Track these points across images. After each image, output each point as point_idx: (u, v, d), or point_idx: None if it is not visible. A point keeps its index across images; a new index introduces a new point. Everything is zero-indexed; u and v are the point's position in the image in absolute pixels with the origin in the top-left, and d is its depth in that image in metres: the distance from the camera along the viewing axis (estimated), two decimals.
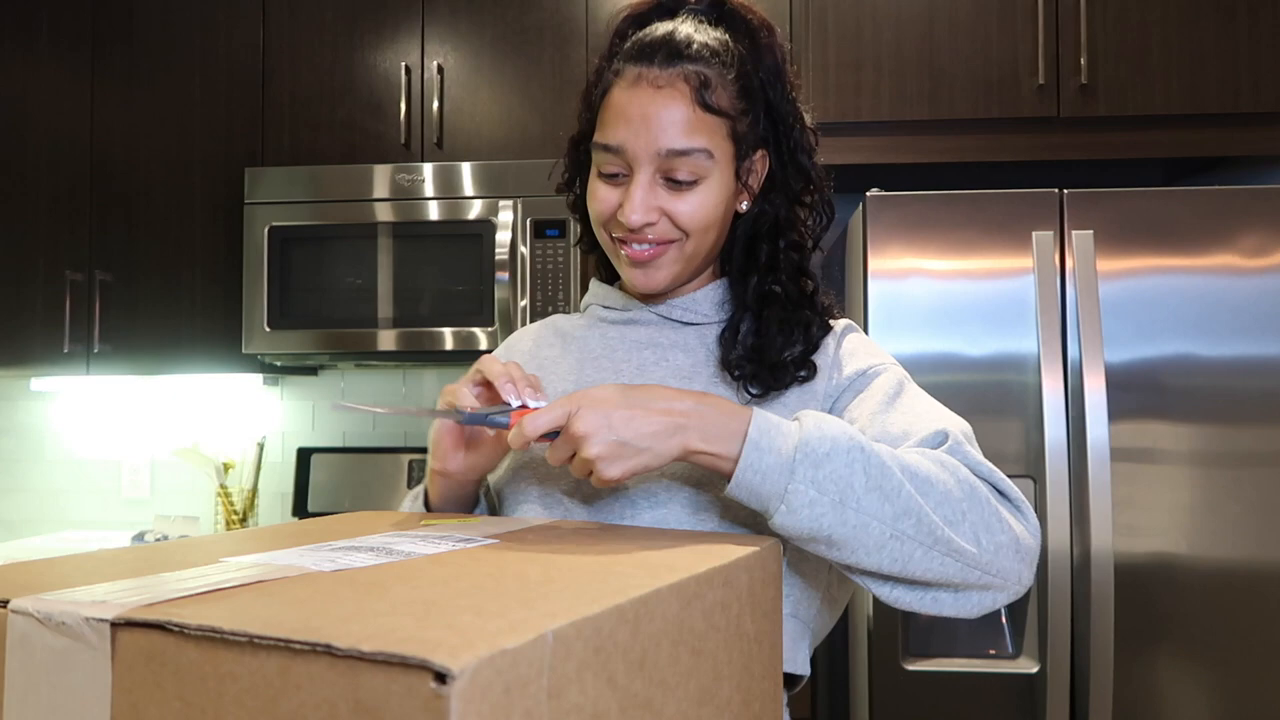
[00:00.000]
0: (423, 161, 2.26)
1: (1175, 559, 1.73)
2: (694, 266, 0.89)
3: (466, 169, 2.22)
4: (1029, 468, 1.75)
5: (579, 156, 0.94)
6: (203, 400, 2.69)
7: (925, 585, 0.71)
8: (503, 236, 2.14)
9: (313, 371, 2.66)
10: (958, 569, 0.70)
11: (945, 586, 0.71)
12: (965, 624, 1.82)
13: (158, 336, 2.36)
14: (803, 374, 0.87)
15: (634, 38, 0.86)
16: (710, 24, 0.86)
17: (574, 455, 0.71)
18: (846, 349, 0.90)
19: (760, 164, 0.89)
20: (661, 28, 0.85)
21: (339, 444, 2.63)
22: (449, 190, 2.22)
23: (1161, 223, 1.77)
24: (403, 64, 2.30)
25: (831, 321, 0.93)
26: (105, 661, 0.43)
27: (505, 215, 2.16)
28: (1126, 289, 1.77)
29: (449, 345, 2.20)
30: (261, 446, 2.51)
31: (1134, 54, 2.01)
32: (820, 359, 0.89)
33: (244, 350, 2.27)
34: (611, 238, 0.88)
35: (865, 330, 1.81)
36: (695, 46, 0.83)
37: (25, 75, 2.43)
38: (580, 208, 0.95)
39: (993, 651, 1.79)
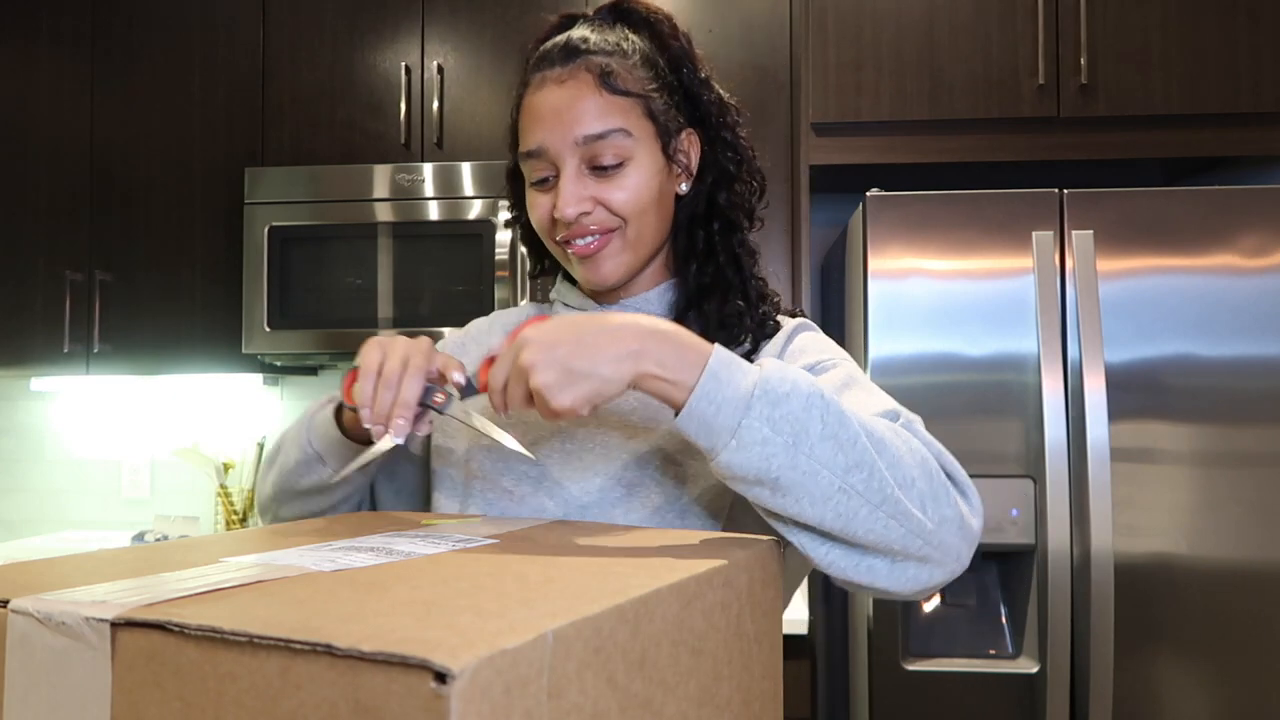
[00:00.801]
0: (423, 161, 2.26)
1: (1175, 559, 1.73)
2: (641, 255, 0.89)
3: (466, 169, 2.22)
4: (1029, 468, 1.75)
5: (517, 185, 0.95)
6: (203, 400, 2.69)
7: (862, 549, 0.68)
8: (503, 236, 2.14)
9: (313, 371, 2.65)
10: (900, 534, 0.67)
11: (883, 553, 0.68)
12: (965, 624, 1.82)
13: (158, 336, 2.36)
14: None
15: (538, 50, 0.89)
16: (607, 26, 0.89)
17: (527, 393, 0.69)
18: (796, 346, 0.89)
19: (690, 143, 0.90)
20: (559, 36, 0.88)
21: None
22: (449, 190, 2.22)
23: (1161, 223, 1.77)
24: (403, 64, 2.30)
25: (785, 319, 0.93)
26: (105, 661, 0.43)
27: (505, 215, 2.16)
28: (1126, 289, 1.77)
29: None
30: (261, 446, 2.51)
31: (1134, 54, 2.01)
32: (762, 356, 0.87)
33: (244, 350, 2.27)
34: (556, 242, 0.89)
35: (865, 331, 1.81)
36: (592, 42, 0.86)
37: (25, 75, 2.43)
38: (528, 236, 0.96)
39: (993, 651, 1.79)
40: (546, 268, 1.01)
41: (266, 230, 2.25)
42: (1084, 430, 1.71)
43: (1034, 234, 1.77)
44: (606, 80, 0.84)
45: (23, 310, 2.40)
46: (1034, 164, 2.10)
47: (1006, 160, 2.06)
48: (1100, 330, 1.73)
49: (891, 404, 0.77)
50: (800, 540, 0.69)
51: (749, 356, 0.87)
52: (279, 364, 2.44)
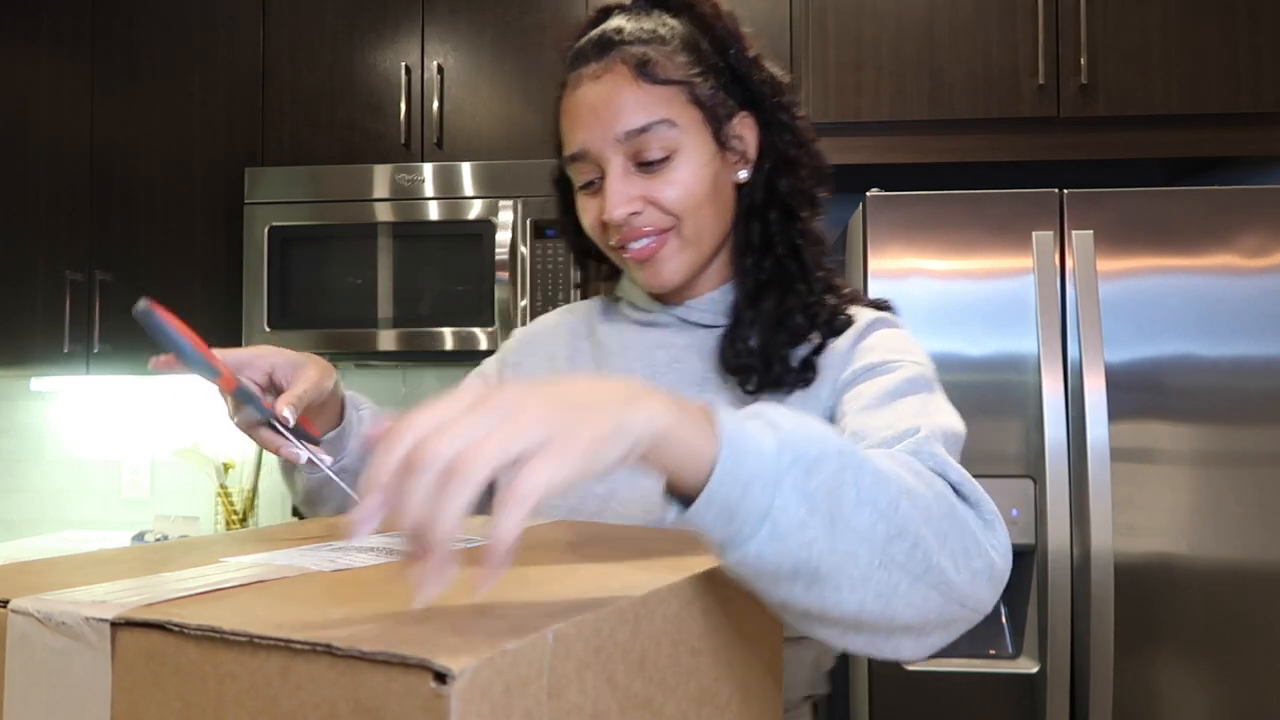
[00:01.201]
0: (423, 161, 2.26)
1: (1175, 559, 1.73)
2: (704, 251, 0.84)
3: (466, 169, 2.22)
4: (1029, 468, 1.75)
5: (564, 192, 0.91)
6: (203, 400, 2.69)
7: (891, 630, 0.55)
8: (503, 236, 2.14)
9: None
10: (938, 604, 0.55)
11: (916, 628, 0.55)
12: None
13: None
14: (806, 376, 0.80)
15: (573, 48, 0.85)
16: (644, 14, 0.84)
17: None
18: (866, 345, 0.81)
19: (745, 127, 0.85)
20: (593, 31, 0.84)
21: None
22: (449, 190, 2.22)
23: (1161, 223, 1.77)
24: (403, 64, 2.30)
25: (862, 312, 0.86)
26: (105, 661, 0.43)
27: (505, 215, 2.16)
28: (1126, 289, 1.77)
29: (449, 345, 2.20)
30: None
31: (1134, 54, 2.01)
32: (828, 357, 0.82)
33: None
34: (611, 246, 0.85)
35: None
36: (627, 31, 0.82)
37: (25, 75, 2.43)
38: (576, 244, 0.92)
39: (993, 651, 1.79)
40: (605, 273, 0.96)
41: (266, 230, 2.25)
42: (1084, 430, 1.71)
43: (1034, 234, 1.77)
44: (644, 70, 0.80)
45: (23, 310, 2.40)
46: (1034, 164, 2.10)
47: (1006, 160, 2.06)
48: (1100, 330, 1.73)
49: (936, 420, 0.68)
50: (825, 635, 0.55)
51: (816, 354, 0.81)
52: None
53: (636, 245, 0.82)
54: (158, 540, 2.35)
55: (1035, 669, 1.73)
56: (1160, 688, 1.72)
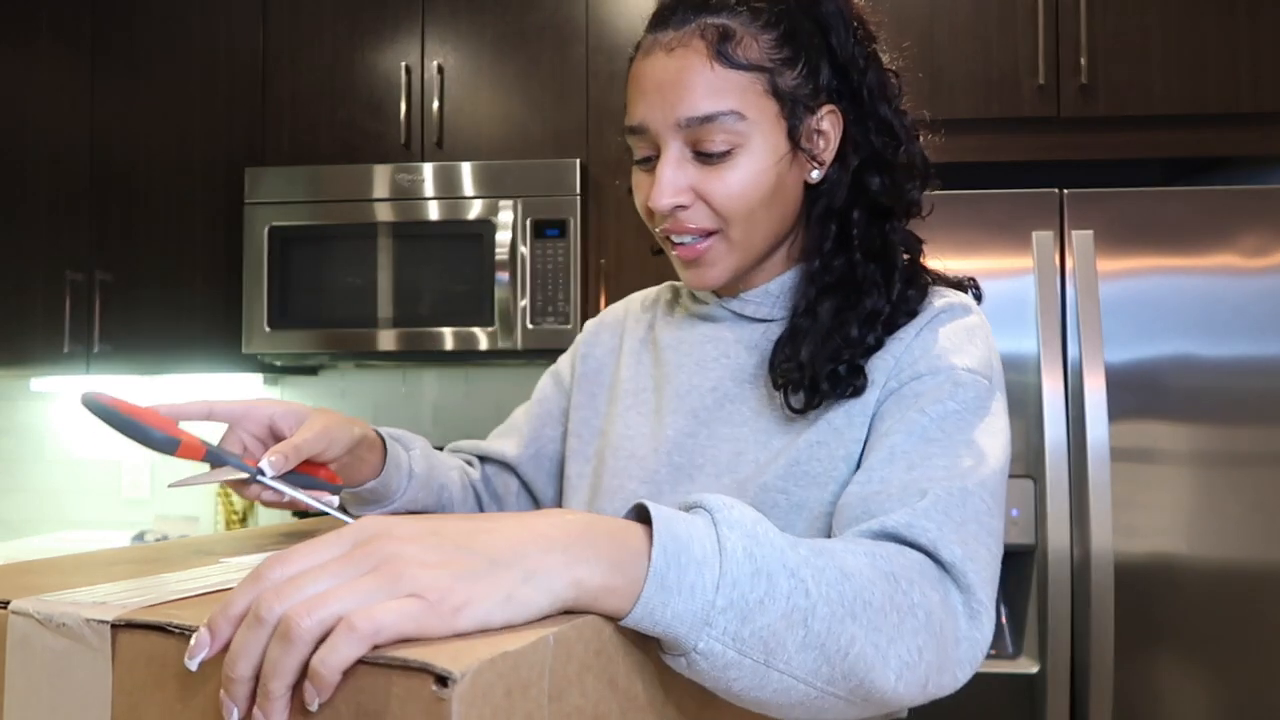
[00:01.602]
0: (423, 161, 2.26)
1: (1175, 559, 1.73)
2: (753, 255, 0.78)
3: (466, 169, 2.22)
4: (1029, 468, 1.75)
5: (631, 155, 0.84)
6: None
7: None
8: (503, 236, 2.14)
9: (313, 371, 2.65)
10: (870, 709, 0.55)
11: None
12: None
13: (158, 336, 2.36)
14: (856, 384, 0.73)
15: (658, 5, 0.77)
16: None
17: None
18: (923, 342, 0.75)
19: (831, 123, 0.77)
20: None
21: None
22: (449, 190, 2.22)
23: (1161, 223, 1.77)
24: (403, 64, 2.30)
25: (941, 295, 0.79)
26: (105, 662, 0.43)
27: (505, 215, 2.16)
28: (1126, 289, 1.77)
29: (449, 345, 2.20)
30: None
31: (1134, 54, 2.01)
32: (889, 348, 0.75)
33: (244, 350, 2.26)
34: (657, 233, 0.79)
35: None
36: None
37: (25, 75, 2.43)
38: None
39: (993, 651, 1.79)
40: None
41: (266, 230, 2.25)
42: (1084, 430, 1.71)
43: (1034, 234, 1.77)
44: (722, 50, 0.71)
45: (23, 310, 2.40)
46: (1034, 164, 2.10)
47: (1006, 160, 2.06)
48: (1100, 330, 1.73)
49: (956, 474, 0.64)
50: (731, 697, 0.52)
51: (868, 356, 0.75)
52: (279, 364, 2.44)
53: (680, 242, 0.77)
54: (158, 540, 2.35)
55: (1035, 669, 1.73)
56: (1160, 688, 1.72)
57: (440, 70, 2.29)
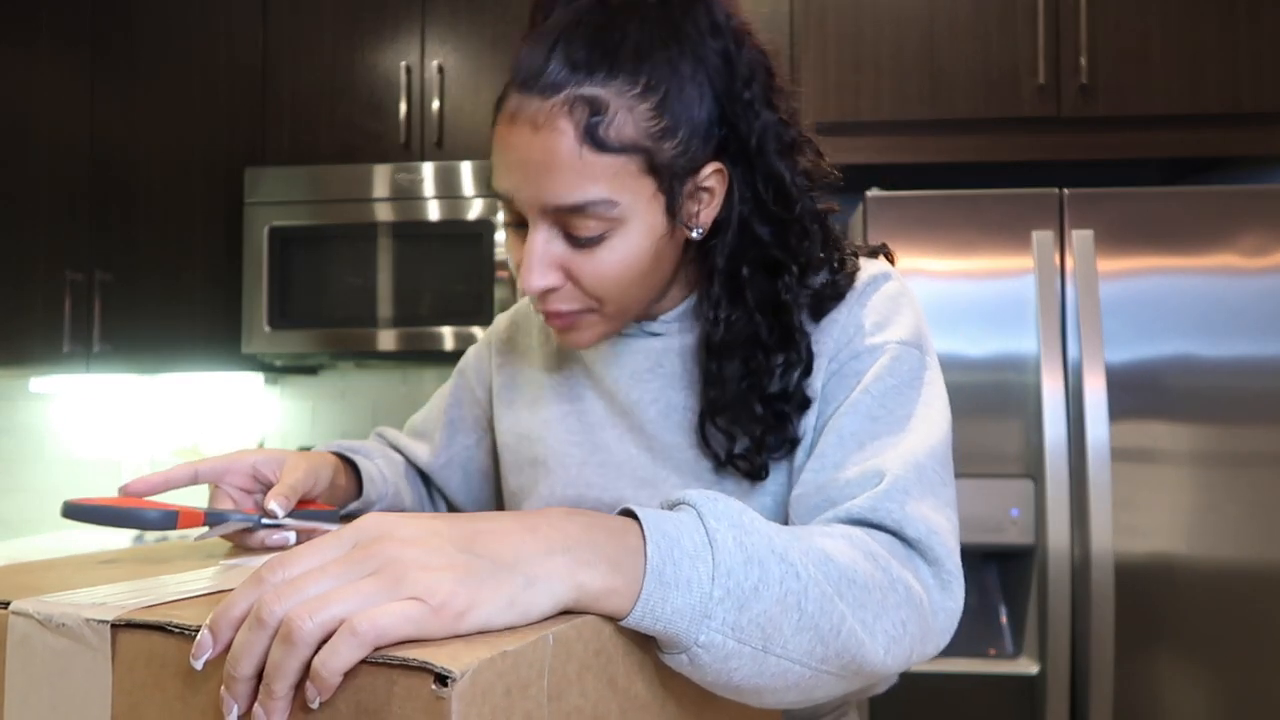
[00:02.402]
0: (422, 161, 2.26)
1: (1175, 559, 1.73)
2: (629, 318, 0.75)
3: (466, 169, 2.22)
4: (1029, 468, 1.75)
5: None
6: (203, 400, 2.69)
7: (801, 703, 0.56)
8: (502, 236, 2.14)
9: (313, 371, 2.65)
10: (855, 683, 0.57)
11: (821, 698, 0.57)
12: (965, 624, 1.82)
13: (158, 336, 2.36)
14: (790, 436, 0.72)
15: (526, 40, 0.68)
16: (626, 14, 0.67)
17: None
18: (857, 318, 0.74)
19: (716, 180, 0.71)
20: (548, 39, 0.66)
21: None
22: (449, 190, 2.22)
23: (1161, 223, 1.77)
24: (403, 64, 2.30)
25: (864, 267, 0.78)
26: (105, 663, 0.43)
27: (505, 215, 2.16)
28: (1126, 289, 1.77)
29: (449, 345, 2.20)
30: (261, 446, 2.50)
31: (1134, 54, 2.01)
32: (819, 341, 0.74)
33: (244, 350, 2.27)
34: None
35: None
36: (581, 69, 0.65)
37: (25, 75, 2.43)
38: None
39: (993, 651, 1.79)
40: None
41: (266, 230, 2.25)
42: (1084, 430, 1.71)
43: (1034, 234, 1.77)
44: (592, 132, 0.64)
45: (23, 310, 2.40)
46: (1034, 164, 2.09)
47: (1006, 160, 2.06)
48: (1100, 330, 1.73)
49: (890, 458, 0.65)
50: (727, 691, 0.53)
51: (801, 395, 0.73)
52: (279, 364, 2.44)
53: (553, 314, 0.72)
54: (158, 541, 2.35)
55: (1035, 669, 1.73)
56: (1160, 688, 1.72)
57: (440, 70, 2.29)
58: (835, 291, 0.75)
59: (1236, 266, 1.75)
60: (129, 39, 2.40)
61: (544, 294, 0.70)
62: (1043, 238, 1.76)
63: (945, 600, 0.62)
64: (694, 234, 0.72)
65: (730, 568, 0.48)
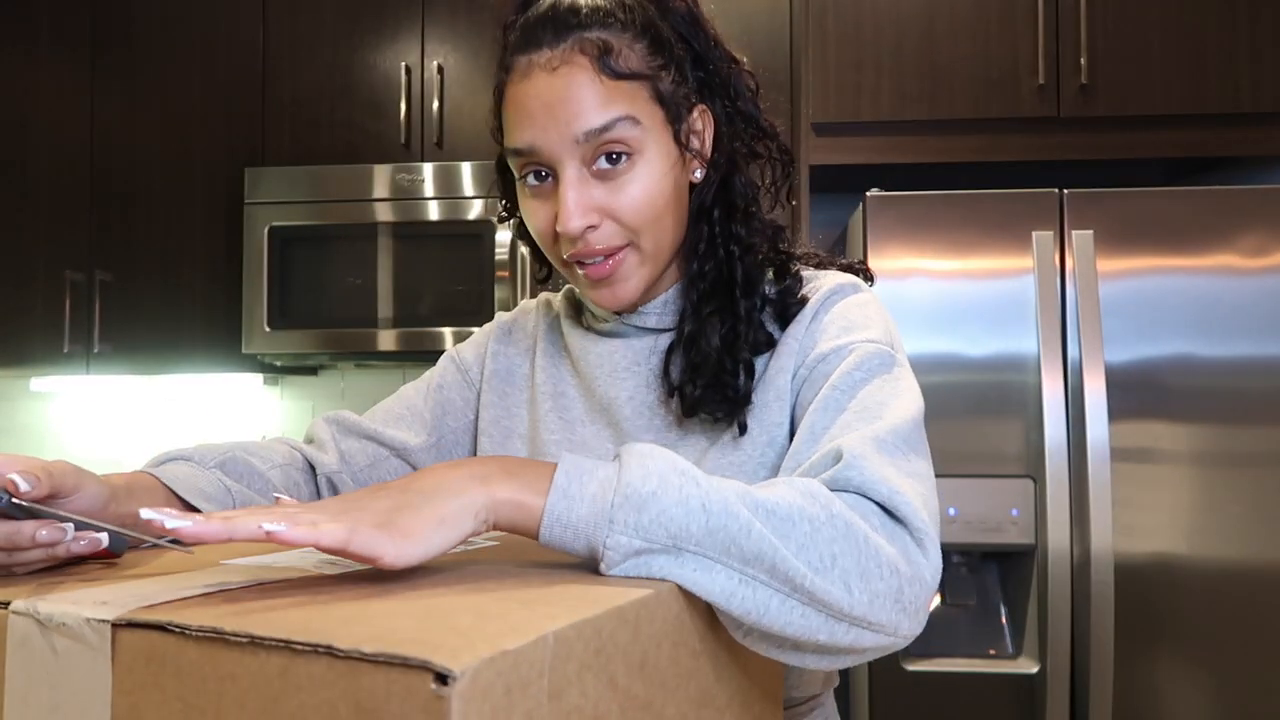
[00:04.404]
0: (423, 161, 2.26)
1: (1175, 559, 1.73)
2: (660, 263, 0.78)
3: (466, 169, 2.22)
4: (1029, 468, 1.75)
5: (508, 180, 0.84)
6: (203, 400, 2.69)
7: (794, 643, 0.57)
8: (503, 236, 2.14)
9: (313, 371, 2.65)
10: (822, 622, 0.56)
11: (811, 646, 0.57)
12: (965, 624, 1.82)
13: (158, 336, 2.36)
14: (742, 387, 0.75)
15: (519, 23, 0.75)
16: None
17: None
18: (823, 324, 0.77)
19: (703, 121, 0.78)
20: (545, 2, 0.75)
21: None
22: (449, 190, 2.22)
23: (1161, 223, 1.77)
24: (403, 64, 2.30)
25: (824, 279, 0.81)
26: (106, 663, 0.43)
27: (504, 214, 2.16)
28: (1126, 289, 1.77)
29: (449, 345, 2.19)
30: None
31: (1134, 54, 2.01)
32: (786, 346, 0.77)
33: (244, 350, 2.27)
34: (564, 260, 0.77)
35: None
36: (585, 11, 0.73)
37: (25, 75, 2.43)
38: (527, 234, 0.82)
39: (993, 651, 1.79)
40: (552, 273, 0.86)
41: (266, 230, 2.25)
42: (1084, 430, 1.71)
43: (1034, 234, 1.77)
44: (606, 62, 0.72)
45: (23, 310, 2.40)
46: (1034, 164, 2.10)
47: (1006, 160, 2.06)
48: (1100, 330, 1.73)
49: (873, 427, 0.66)
50: (723, 619, 0.57)
51: (768, 343, 0.77)
52: (279, 364, 2.44)
53: (593, 263, 0.75)
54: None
55: (1035, 669, 1.73)
56: (1160, 688, 1.72)
57: (440, 70, 2.29)
58: (794, 298, 0.79)
59: (1236, 266, 1.75)
60: (129, 40, 2.40)
61: (585, 233, 0.74)
62: (1043, 238, 1.76)
63: (920, 555, 0.60)
64: (696, 174, 0.78)
65: (629, 480, 0.54)
